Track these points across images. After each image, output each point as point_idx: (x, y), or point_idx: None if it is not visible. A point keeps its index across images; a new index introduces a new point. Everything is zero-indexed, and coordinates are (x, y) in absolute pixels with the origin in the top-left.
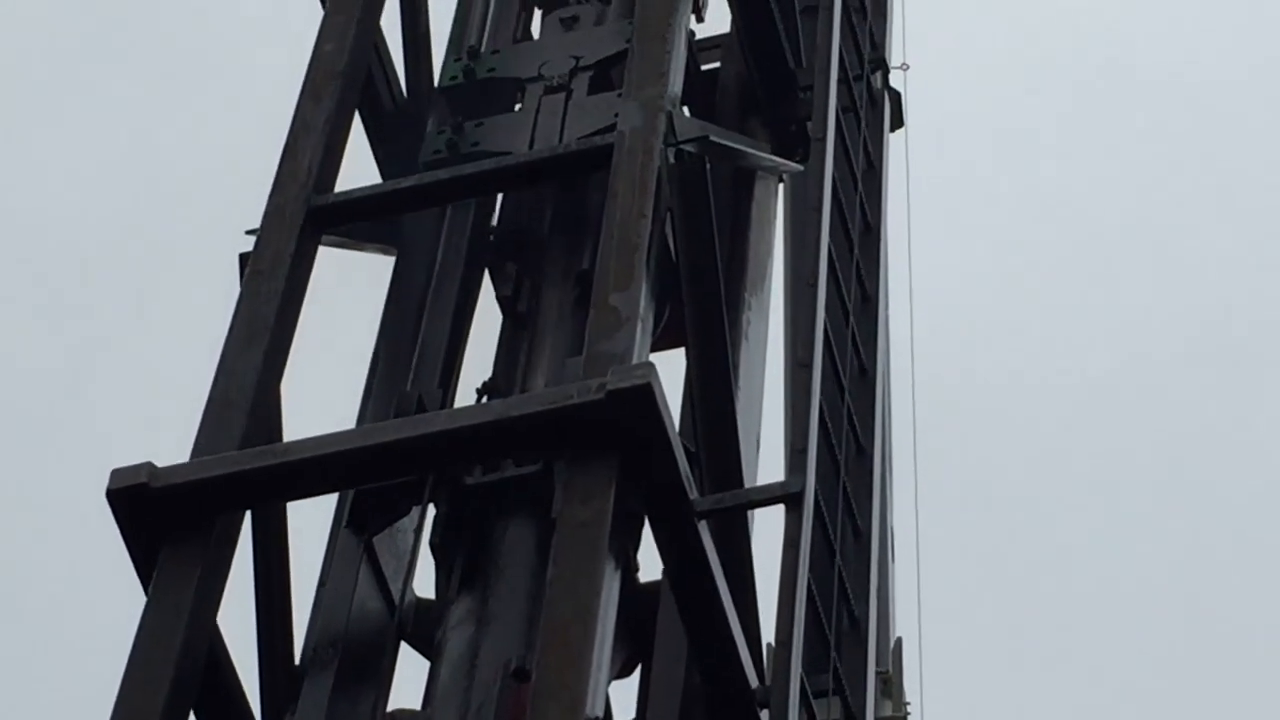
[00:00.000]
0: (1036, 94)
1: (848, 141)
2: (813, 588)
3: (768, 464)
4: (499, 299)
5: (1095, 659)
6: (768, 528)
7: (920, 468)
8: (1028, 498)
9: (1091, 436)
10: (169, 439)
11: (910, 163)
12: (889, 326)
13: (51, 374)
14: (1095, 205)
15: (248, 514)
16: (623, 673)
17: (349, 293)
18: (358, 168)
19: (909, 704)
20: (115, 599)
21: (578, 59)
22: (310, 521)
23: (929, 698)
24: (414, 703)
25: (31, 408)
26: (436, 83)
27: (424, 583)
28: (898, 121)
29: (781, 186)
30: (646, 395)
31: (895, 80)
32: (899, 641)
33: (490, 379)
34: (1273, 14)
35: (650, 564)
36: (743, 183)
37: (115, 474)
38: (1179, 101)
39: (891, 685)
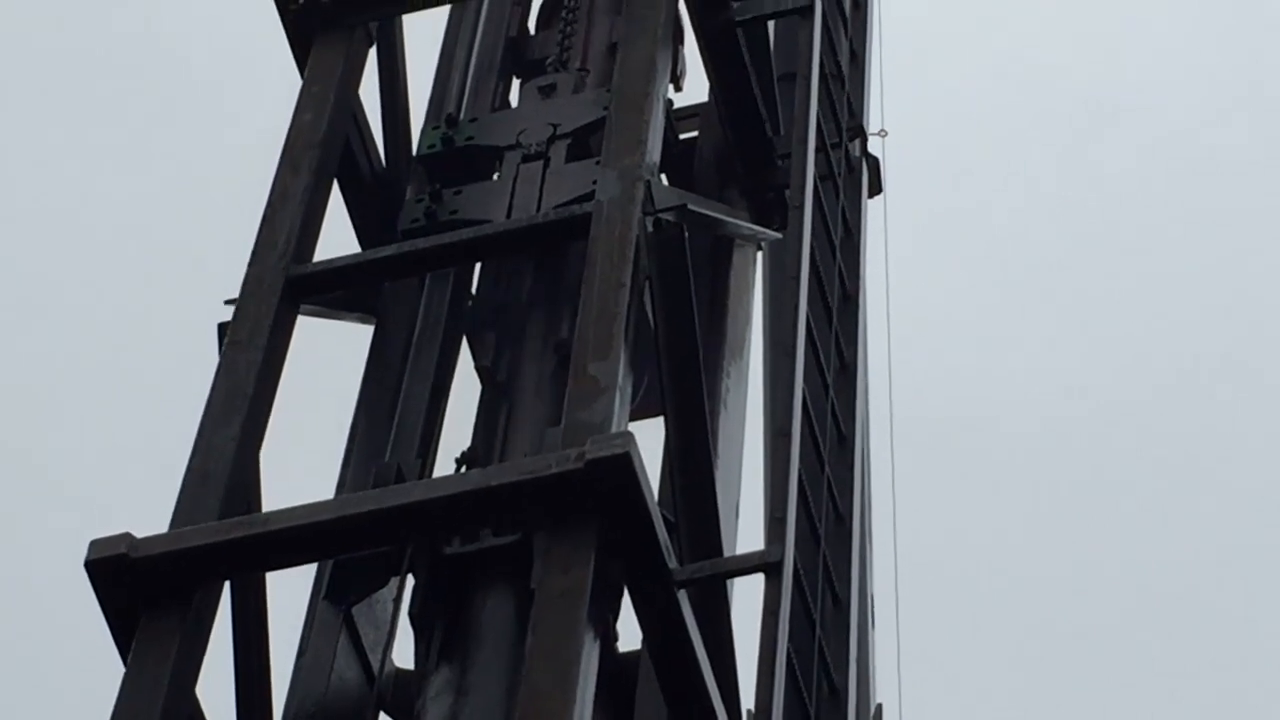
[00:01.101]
0: (1018, 151)
1: (826, 209)
2: (792, 656)
3: (746, 532)
4: (478, 368)
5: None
6: (747, 596)
7: (900, 532)
8: (1011, 560)
9: (1077, 497)
10: (143, 508)
11: (889, 227)
12: (868, 394)
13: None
14: (1081, 262)
15: (227, 584)
16: None
17: (327, 362)
18: (336, 236)
19: None
20: (92, 669)
21: (555, 127)
22: (289, 592)
23: None
24: None
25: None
26: (415, 151)
27: (403, 653)
28: (876, 188)
29: (760, 255)
30: (625, 464)
31: (874, 146)
32: (879, 708)
33: (469, 448)
34: (1248, 47)
35: (629, 634)
36: (721, 251)
37: (94, 544)
38: (1165, 147)
39: None
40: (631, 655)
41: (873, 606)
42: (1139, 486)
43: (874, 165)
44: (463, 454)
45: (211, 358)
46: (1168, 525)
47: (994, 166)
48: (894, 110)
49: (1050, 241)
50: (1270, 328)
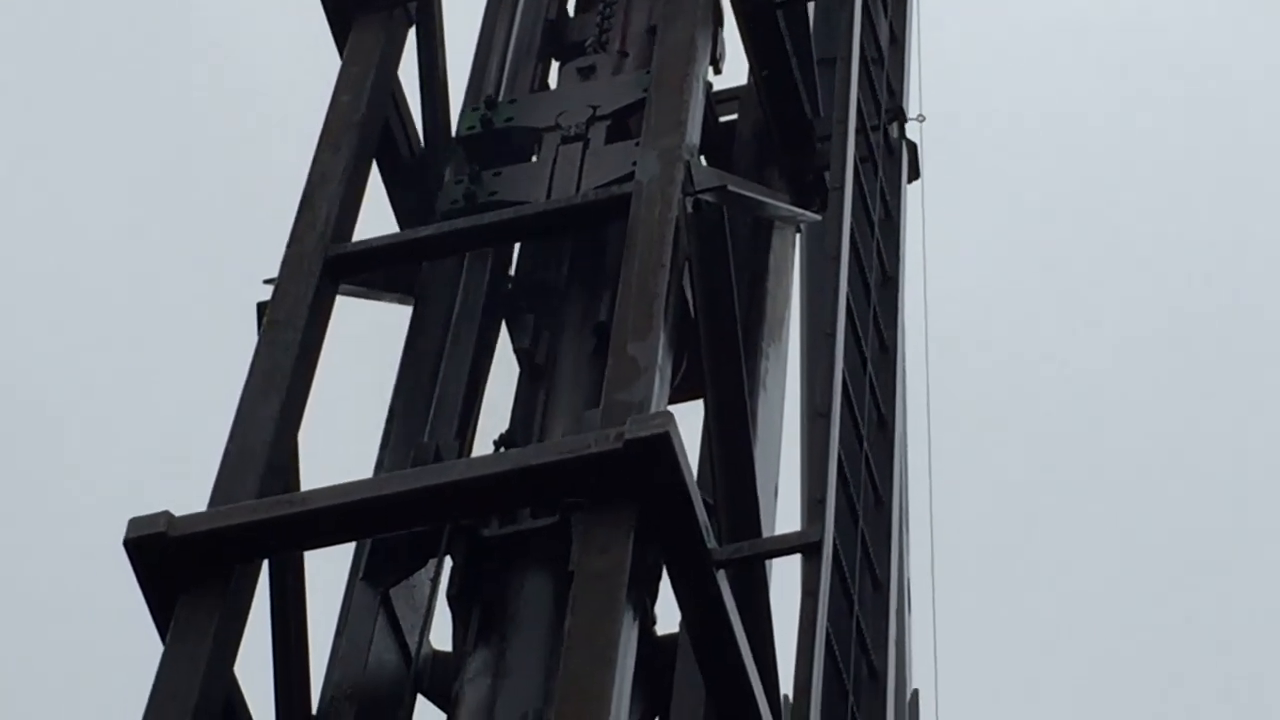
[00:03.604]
0: (1058, 137)
1: (865, 191)
2: (831, 638)
3: (783, 515)
4: (516, 350)
5: (1116, 709)
6: (784, 578)
7: (937, 518)
8: (1048, 548)
9: (1116, 483)
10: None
11: (926, 214)
12: (905, 377)
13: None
14: (1122, 245)
15: (265, 564)
16: None
17: (366, 343)
18: (375, 218)
19: None
20: (131, 647)
21: (595, 108)
22: (327, 573)
23: None
24: None
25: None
26: (454, 132)
27: (441, 635)
28: (914, 173)
29: (798, 237)
30: (665, 444)
31: (911, 131)
32: (915, 694)
33: (507, 430)
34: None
35: (667, 617)
36: (760, 233)
37: (133, 523)
38: (1206, 123)
39: None
40: (669, 638)
41: (909, 591)
42: (1183, 464)
43: (912, 150)
44: (501, 436)
45: (251, 337)
46: (1213, 503)
47: (1032, 153)
48: (932, 96)
49: (1089, 225)
50: None
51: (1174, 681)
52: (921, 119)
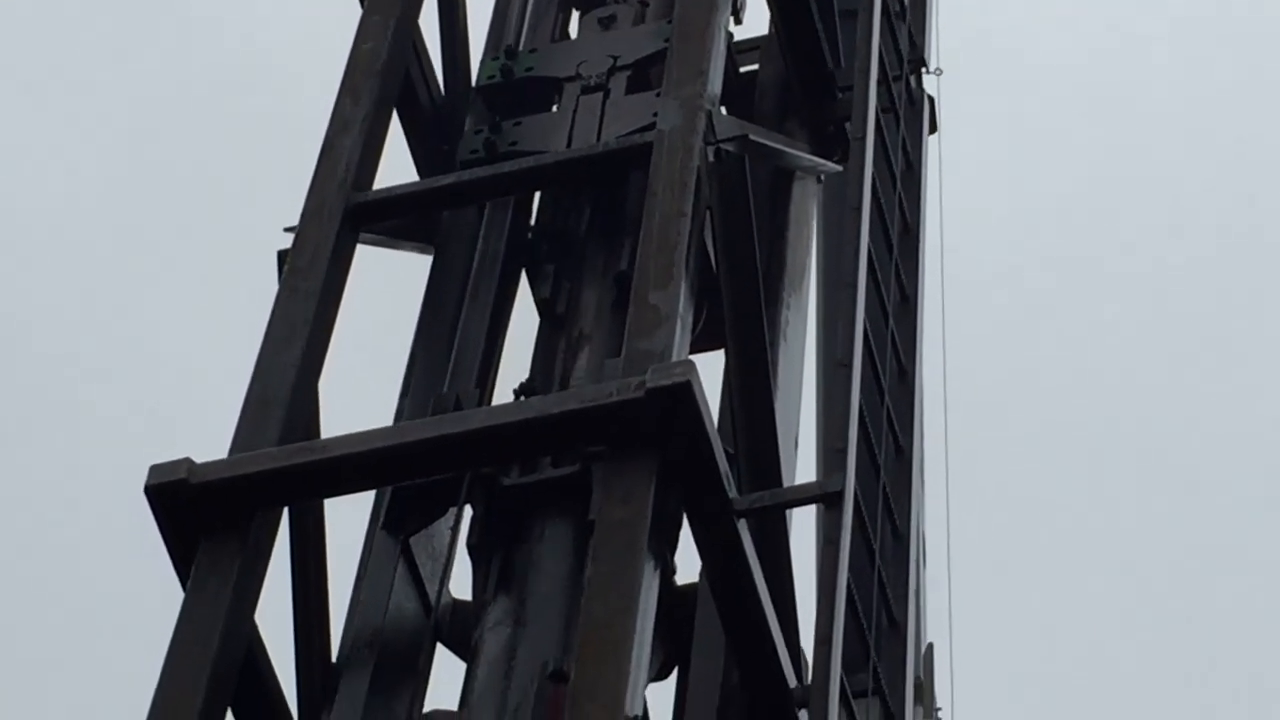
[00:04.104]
0: (1075, 91)
1: (887, 142)
2: (852, 588)
3: (801, 467)
4: (536, 300)
5: (1128, 666)
6: (801, 529)
7: (951, 472)
8: (1062, 504)
9: (1131, 438)
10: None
11: (943, 168)
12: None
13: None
14: (1138, 200)
15: (285, 512)
16: (659, 675)
17: (386, 292)
18: (395, 168)
19: (940, 710)
20: (152, 595)
21: (615, 58)
22: (347, 522)
23: (959, 704)
24: (451, 704)
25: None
26: (474, 82)
27: (461, 585)
28: (931, 126)
29: (818, 189)
30: (686, 393)
31: (929, 85)
32: (930, 647)
33: (527, 380)
34: None
35: (687, 567)
36: (781, 184)
37: (154, 469)
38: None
39: (923, 691)
40: (689, 588)
41: (924, 545)
42: (1199, 423)
43: (930, 103)
44: (521, 385)
45: (271, 285)
46: (1232, 469)
47: (1049, 108)
48: (950, 49)
49: (1106, 179)
50: None
51: (1203, 633)
52: (939, 73)
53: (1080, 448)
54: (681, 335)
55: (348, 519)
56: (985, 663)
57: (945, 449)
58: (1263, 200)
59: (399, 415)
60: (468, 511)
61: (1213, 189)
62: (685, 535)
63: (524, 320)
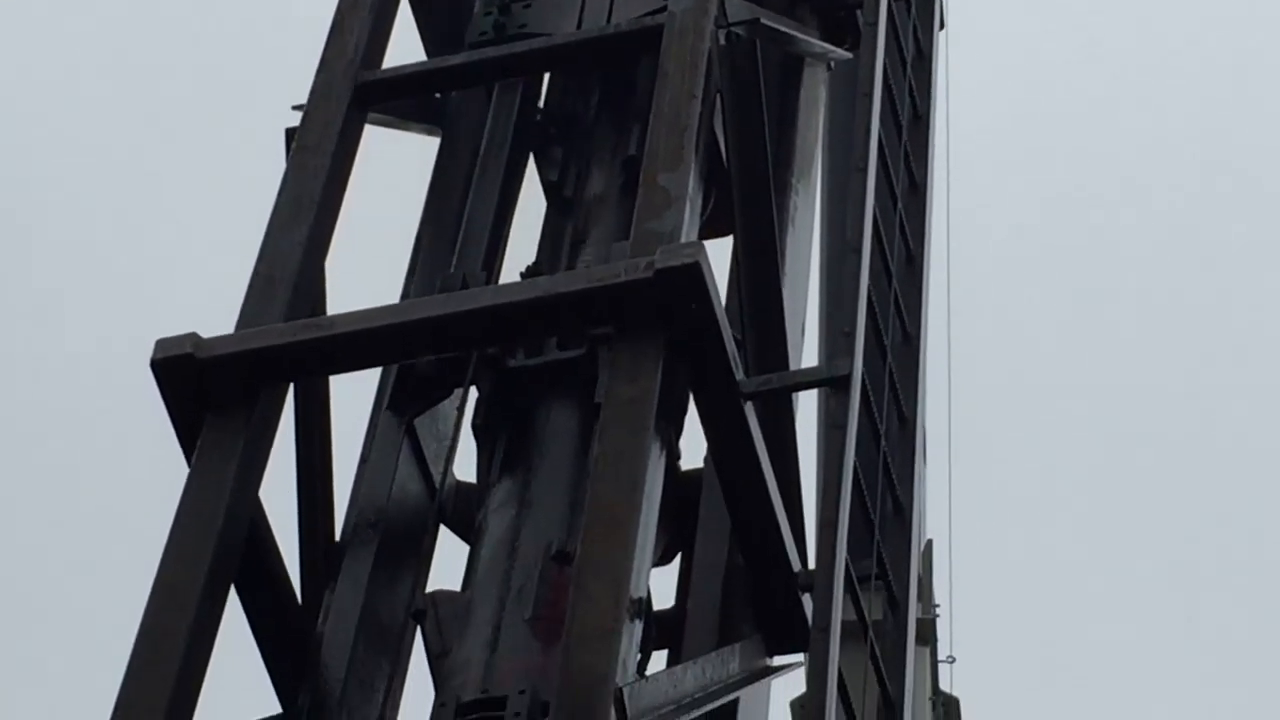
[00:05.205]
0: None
1: (898, 29)
2: (857, 471)
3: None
4: (544, 184)
5: (1122, 568)
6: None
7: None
8: (1063, 404)
9: (1134, 305)
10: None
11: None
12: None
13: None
14: (1134, 88)
15: (290, 391)
16: (662, 560)
17: (393, 172)
18: (404, 50)
19: (938, 606)
20: (157, 470)
21: None
22: (351, 403)
23: (957, 600)
24: (454, 587)
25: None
26: None
27: (465, 467)
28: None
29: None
30: (695, 273)
31: None
32: (929, 543)
33: (534, 263)
34: None
35: (691, 453)
36: (790, 70)
37: (160, 344)
38: None
39: (921, 587)
40: (693, 473)
41: (924, 442)
42: (1206, 291)
43: None
44: (528, 268)
45: (279, 162)
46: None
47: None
48: None
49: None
50: None
51: (1199, 521)
52: None
53: (1086, 334)
54: (690, 218)
55: (353, 400)
56: (983, 558)
57: (948, 329)
58: None
59: (404, 296)
60: (473, 393)
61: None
62: (690, 421)
63: (532, 202)
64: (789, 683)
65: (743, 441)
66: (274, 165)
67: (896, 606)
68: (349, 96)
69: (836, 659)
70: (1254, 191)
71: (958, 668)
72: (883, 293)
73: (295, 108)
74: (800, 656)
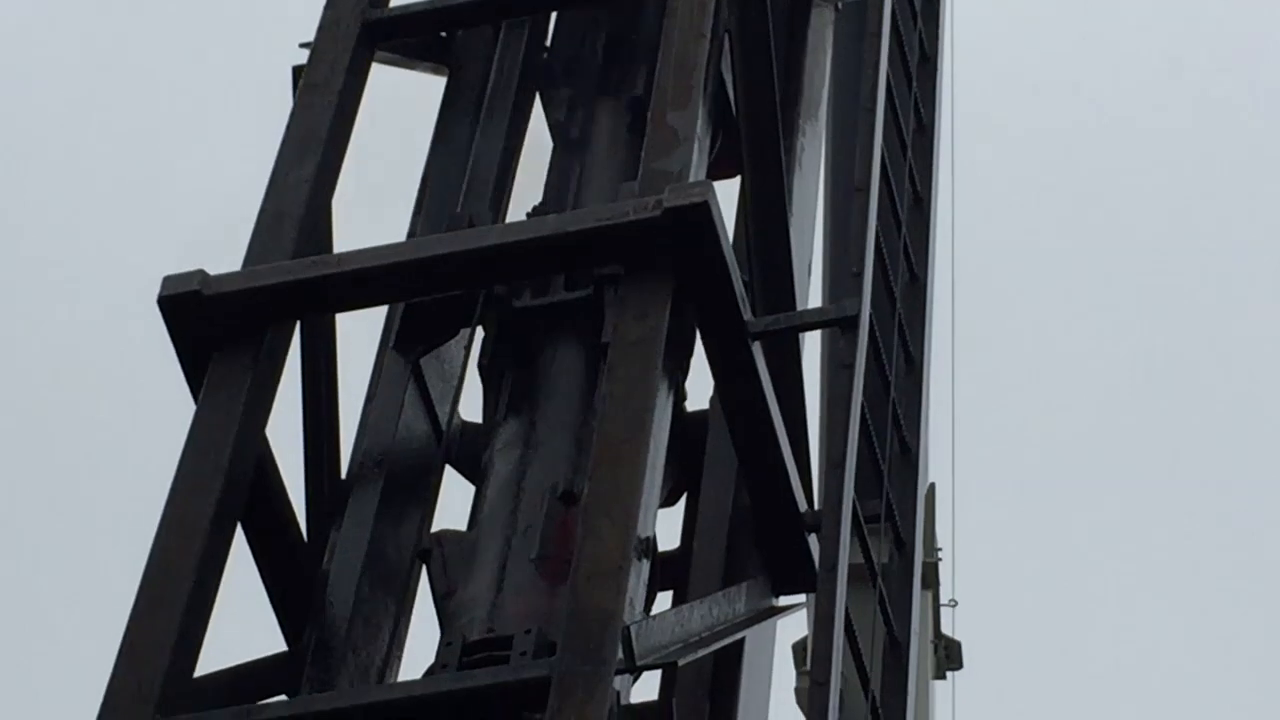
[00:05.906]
0: None
1: None
2: (865, 412)
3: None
4: (551, 124)
5: (1123, 516)
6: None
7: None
8: (1069, 345)
9: (1138, 206)
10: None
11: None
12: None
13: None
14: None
15: (298, 327)
16: (668, 501)
17: (400, 111)
18: None
19: (940, 550)
20: (163, 406)
21: None
22: (357, 343)
23: (959, 544)
24: (459, 527)
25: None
26: None
27: (470, 407)
28: None
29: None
30: (704, 212)
31: None
32: (931, 487)
33: (541, 204)
34: None
35: (697, 394)
36: (798, 10)
37: (167, 281)
38: None
39: (924, 530)
40: (700, 414)
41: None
42: (1211, 206)
43: None
44: (535, 209)
45: (286, 100)
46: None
47: None
48: None
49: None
50: None
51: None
52: None
53: (1084, 270)
54: (699, 157)
55: (359, 339)
56: (986, 503)
57: (952, 268)
58: None
59: (411, 235)
60: (479, 334)
61: None
62: (697, 361)
63: (539, 143)
64: (789, 626)
65: (750, 381)
66: (281, 103)
67: (903, 546)
68: (356, 34)
69: (844, 597)
70: None
71: (960, 611)
72: (890, 233)
73: (303, 45)
74: (804, 598)
